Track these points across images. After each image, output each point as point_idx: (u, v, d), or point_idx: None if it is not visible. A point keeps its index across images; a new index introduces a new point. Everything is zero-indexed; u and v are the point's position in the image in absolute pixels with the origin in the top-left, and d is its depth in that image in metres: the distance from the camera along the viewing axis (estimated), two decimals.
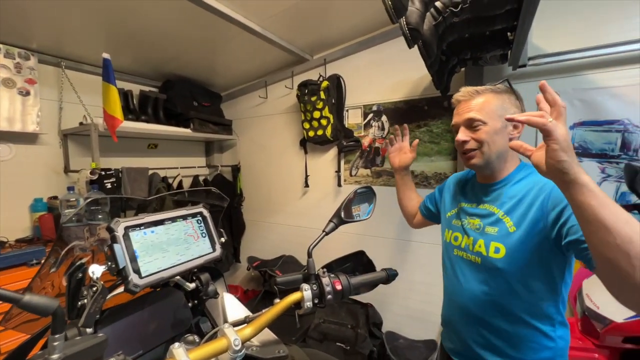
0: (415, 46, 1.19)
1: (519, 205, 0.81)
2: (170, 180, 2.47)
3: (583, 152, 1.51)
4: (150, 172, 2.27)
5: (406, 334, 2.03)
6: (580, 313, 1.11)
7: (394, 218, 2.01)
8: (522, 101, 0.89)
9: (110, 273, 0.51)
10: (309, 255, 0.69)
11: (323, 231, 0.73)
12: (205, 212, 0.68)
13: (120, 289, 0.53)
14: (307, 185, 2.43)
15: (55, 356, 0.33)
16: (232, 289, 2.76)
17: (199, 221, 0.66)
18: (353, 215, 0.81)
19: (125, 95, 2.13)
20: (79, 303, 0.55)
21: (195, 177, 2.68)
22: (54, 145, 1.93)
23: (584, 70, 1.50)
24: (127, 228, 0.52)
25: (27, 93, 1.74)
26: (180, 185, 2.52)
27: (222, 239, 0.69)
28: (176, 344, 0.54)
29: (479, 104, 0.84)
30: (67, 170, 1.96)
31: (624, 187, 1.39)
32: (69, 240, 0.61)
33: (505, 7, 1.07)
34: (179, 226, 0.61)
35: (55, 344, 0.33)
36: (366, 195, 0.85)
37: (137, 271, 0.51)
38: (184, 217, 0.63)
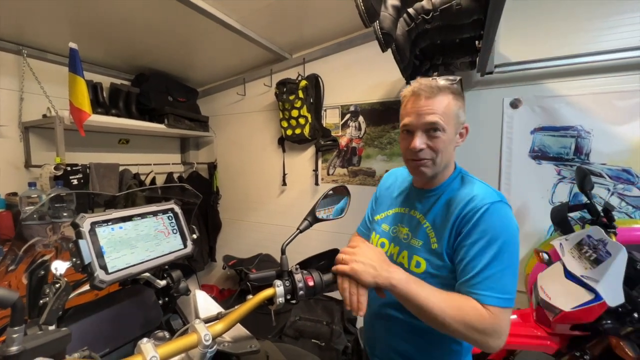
0: (390, 50, 1.24)
1: (444, 221, 0.75)
2: (142, 177, 2.38)
3: (542, 155, 1.62)
4: (121, 168, 2.18)
5: None
6: (535, 304, 1.20)
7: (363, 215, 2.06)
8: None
9: (75, 269, 0.50)
10: (283, 252, 0.71)
11: (297, 229, 0.75)
12: (177, 209, 0.67)
13: (86, 287, 0.52)
14: (284, 184, 2.43)
15: (13, 348, 0.32)
16: (207, 288, 2.71)
17: (170, 217, 0.66)
18: (327, 213, 0.82)
19: (94, 88, 2.03)
20: (41, 301, 0.53)
21: (170, 175, 2.60)
22: (14, 139, 1.81)
23: (544, 79, 1.61)
24: (93, 224, 0.51)
25: None
26: (153, 182, 2.44)
27: (194, 235, 0.69)
28: (144, 339, 0.53)
29: (443, 107, 0.73)
30: (28, 165, 1.85)
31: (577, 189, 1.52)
32: (30, 239, 0.59)
33: (472, 17, 1.13)
34: (148, 222, 0.61)
35: (14, 336, 0.32)
36: (341, 194, 0.87)
37: (103, 267, 0.50)
38: (154, 214, 0.62)
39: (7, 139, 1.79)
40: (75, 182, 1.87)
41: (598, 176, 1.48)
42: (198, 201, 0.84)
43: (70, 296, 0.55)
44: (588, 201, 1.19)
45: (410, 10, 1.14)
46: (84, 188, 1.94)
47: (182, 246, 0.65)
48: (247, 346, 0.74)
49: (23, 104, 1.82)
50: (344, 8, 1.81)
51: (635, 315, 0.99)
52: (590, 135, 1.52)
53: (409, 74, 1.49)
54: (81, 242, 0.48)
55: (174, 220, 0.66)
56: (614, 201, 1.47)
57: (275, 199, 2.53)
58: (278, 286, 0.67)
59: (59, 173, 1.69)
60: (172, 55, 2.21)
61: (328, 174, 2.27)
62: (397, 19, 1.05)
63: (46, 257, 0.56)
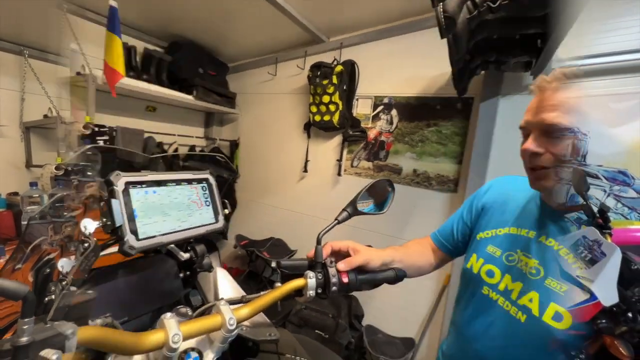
0: (438, 38, 1.14)
1: None
2: (165, 147, 2.38)
3: None
4: (146, 135, 2.18)
5: (386, 330, 2.04)
6: None
7: (387, 214, 1.98)
8: None
9: (104, 231, 0.46)
10: (318, 242, 0.65)
11: (335, 219, 0.68)
12: (212, 179, 0.63)
13: (113, 249, 0.49)
14: (305, 171, 2.38)
15: (24, 339, 0.31)
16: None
17: (204, 188, 0.61)
18: (369, 207, 0.76)
19: (128, 51, 2.01)
20: (46, 299, 0.51)
21: (192, 147, 2.59)
22: (14, 139, 1.80)
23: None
24: (128, 184, 0.47)
25: None
26: (176, 153, 2.43)
27: (226, 210, 0.65)
28: (168, 314, 0.49)
29: (572, 100, 0.56)
30: (28, 165, 1.85)
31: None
32: (33, 238, 0.56)
33: (544, 10, 1.02)
34: (183, 190, 0.56)
35: (25, 327, 0.31)
36: (384, 188, 0.79)
37: (134, 232, 0.46)
38: (189, 182, 0.58)
39: (8, 139, 1.78)
40: (101, 142, 1.87)
41: (594, 178, 1.37)
42: (231, 177, 0.79)
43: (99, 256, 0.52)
44: (584, 202, 1.09)
45: None
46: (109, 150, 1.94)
47: (213, 220, 0.61)
48: (267, 334, 0.70)
49: (24, 104, 1.81)
50: None
51: (630, 314, 0.91)
52: (587, 137, 1.39)
53: (459, 69, 1.38)
54: (114, 202, 0.44)
55: (207, 192, 0.61)
56: (610, 202, 1.35)
57: (294, 184, 2.49)
58: (310, 278, 0.62)
59: (88, 132, 1.69)
60: (208, 25, 2.16)
61: (352, 166, 2.20)
62: (463, 3, 0.96)
63: (51, 256, 0.53)
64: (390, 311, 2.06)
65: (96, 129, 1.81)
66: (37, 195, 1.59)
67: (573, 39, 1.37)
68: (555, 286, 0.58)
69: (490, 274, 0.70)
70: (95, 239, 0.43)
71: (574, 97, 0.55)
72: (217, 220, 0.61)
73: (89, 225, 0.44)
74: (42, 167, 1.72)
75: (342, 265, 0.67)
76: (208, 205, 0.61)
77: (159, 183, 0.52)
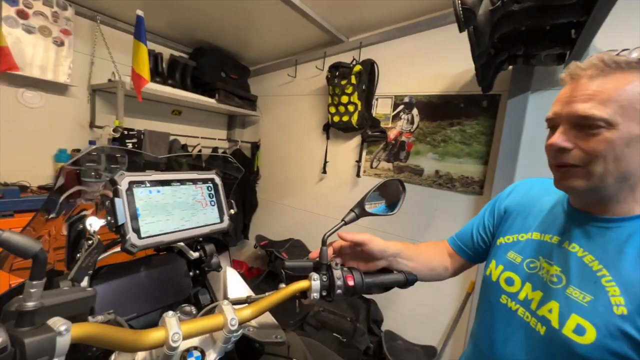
0: (465, 33, 1.08)
1: None
2: (189, 149, 2.47)
3: None
4: (171, 138, 2.27)
5: (406, 336, 1.97)
6: None
7: (407, 216, 1.93)
8: None
9: (109, 228, 0.47)
10: (324, 243, 0.63)
11: (342, 220, 0.66)
12: (217, 180, 0.63)
13: (118, 248, 0.50)
14: (324, 172, 2.37)
15: (30, 304, 0.29)
16: (237, 264, 2.78)
17: (210, 188, 0.61)
18: (377, 208, 0.72)
19: (155, 58, 2.11)
20: (77, 255, 0.52)
21: (215, 149, 2.67)
22: (82, 99, 1.95)
23: None
24: (131, 183, 0.48)
25: (62, 43, 1.75)
26: (199, 154, 2.52)
27: (232, 211, 0.65)
28: (170, 313, 0.50)
29: (611, 89, 0.47)
30: (92, 125, 1.99)
31: None
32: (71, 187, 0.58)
33: None
34: (187, 190, 0.57)
35: (33, 290, 0.29)
36: (395, 188, 0.75)
37: (136, 230, 0.47)
38: (194, 181, 0.59)
39: (77, 99, 1.93)
40: (130, 145, 1.97)
41: None
42: (239, 175, 0.79)
43: (103, 256, 0.53)
44: None
45: None
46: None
47: (218, 220, 0.61)
48: (273, 336, 0.69)
49: (93, 67, 1.95)
50: None
51: None
52: None
53: (482, 64, 1.31)
54: (117, 201, 0.45)
55: (213, 192, 0.62)
56: None
57: (313, 185, 2.48)
58: (314, 280, 0.60)
59: (117, 135, 1.79)
60: (231, 31, 2.22)
61: (371, 167, 2.16)
62: None
63: (87, 212, 0.54)
64: (411, 317, 1.99)
65: (125, 132, 1.91)
66: (95, 153, 1.71)
67: (613, 25, 1.25)
68: (577, 296, 0.53)
69: (509, 281, 0.64)
70: (98, 236, 0.44)
71: (613, 86, 0.47)
72: (222, 220, 0.62)
73: (94, 223, 0.45)
74: (102, 128, 1.86)
75: (344, 234, 0.65)
76: (213, 205, 0.61)
77: (163, 183, 0.53)
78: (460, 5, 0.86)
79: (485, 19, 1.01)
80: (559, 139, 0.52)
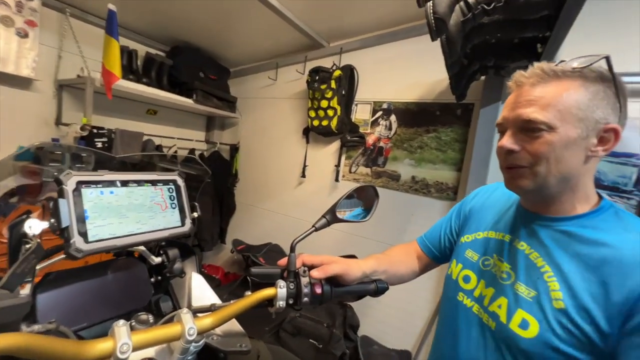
0: (438, 43, 1.11)
1: (585, 273, 0.50)
2: (165, 150, 2.39)
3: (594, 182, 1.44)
4: (145, 138, 2.19)
5: (382, 341, 1.98)
6: None
7: (384, 221, 1.94)
8: (625, 98, 0.54)
9: (52, 231, 0.43)
10: (292, 249, 0.62)
11: (313, 226, 0.65)
12: (180, 181, 0.60)
13: (59, 256, 0.46)
14: (303, 176, 2.35)
15: None
16: (213, 270, 2.70)
17: (171, 190, 0.59)
18: (350, 214, 0.72)
19: (129, 55, 2.04)
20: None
21: (192, 151, 2.60)
22: (48, 95, 1.85)
23: None
24: (80, 183, 0.45)
25: (26, 35, 1.65)
26: (174, 156, 2.44)
27: (195, 214, 0.62)
28: (120, 322, 0.46)
29: (550, 95, 0.51)
30: (58, 122, 1.88)
31: None
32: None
33: (541, 12, 0.98)
34: (145, 191, 0.54)
35: None
36: (368, 194, 0.75)
37: (83, 234, 0.43)
38: (154, 183, 0.56)
39: (42, 94, 1.82)
40: (99, 145, 1.88)
41: None
42: (206, 178, 0.77)
43: (50, 262, 0.50)
44: None
45: None
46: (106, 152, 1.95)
47: (179, 223, 0.58)
48: (237, 344, 0.66)
49: (60, 62, 1.85)
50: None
51: None
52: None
53: (455, 74, 1.34)
54: (61, 202, 0.42)
55: (174, 194, 0.59)
56: None
57: (291, 189, 2.46)
58: (280, 287, 0.59)
59: (85, 133, 1.70)
60: (210, 30, 2.18)
61: (350, 172, 2.17)
62: (454, 5, 0.93)
63: (33, 215, 0.50)
64: (387, 322, 2.00)
65: (94, 130, 1.82)
66: (59, 152, 1.61)
67: (573, 41, 1.32)
68: (523, 291, 0.55)
69: (466, 279, 0.67)
70: (38, 241, 0.41)
71: (552, 93, 0.51)
72: (183, 224, 0.59)
73: (34, 225, 0.42)
74: (69, 125, 1.75)
75: (316, 272, 0.64)
76: (174, 208, 0.58)
77: (117, 183, 0.50)
78: (432, 15, 0.88)
79: (457, 29, 1.04)
80: (507, 141, 0.55)
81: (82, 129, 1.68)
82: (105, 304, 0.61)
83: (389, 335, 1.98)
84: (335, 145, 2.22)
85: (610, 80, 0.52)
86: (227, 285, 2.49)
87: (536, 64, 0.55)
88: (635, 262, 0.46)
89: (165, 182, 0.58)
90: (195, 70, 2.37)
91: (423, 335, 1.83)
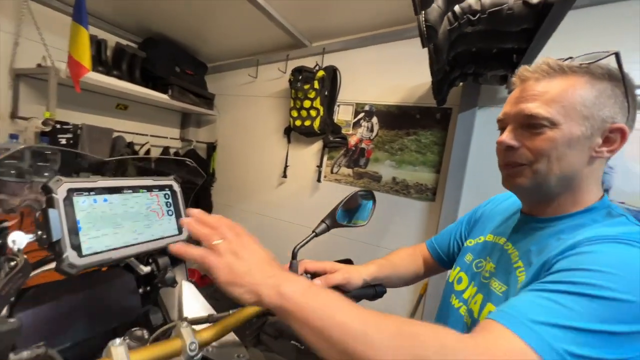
0: (421, 49, 1.14)
1: (544, 258, 0.49)
2: (137, 147, 2.25)
3: None
4: (115, 134, 2.05)
5: None
6: None
7: (373, 224, 1.97)
8: (634, 98, 0.51)
9: (39, 245, 0.39)
10: (294, 256, 0.60)
11: (313, 232, 0.64)
12: (176, 187, 0.57)
13: (49, 266, 0.42)
14: (284, 176, 2.32)
15: None
16: (189, 273, 2.59)
17: (167, 196, 0.55)
18: (348, 219, 0.72)
19: (98, 44, 1.89)
20: None
21: (166, 149, 2.48)
22: (2, 85, 1.67)
23: None
24: (71, 191, 0.41)
25: None
26: (148, 154, 2.31)
27: None
28: (117, 340, 0.43)
29: (555, 91, 0.49)
30: (14, 115, 1.70)
31: None
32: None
33: (521, 26, 1.04)
34: (140, 198, 0.50)
35: None
36: (365, 199, 0.76)
37: (76, 247, 0.39)
38: (149, 189, 0.52)
39: None
40: (63, 141, 1.73)
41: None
42: (200, 182, 0.73)
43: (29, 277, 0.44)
44: None
45: (457, 8, 1.04)
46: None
47: (176, 232, 0.55)
48: (235, 355, 0.64)
49: (17, 49, 1.67)
50: (376, 2, 1.71)
51: None
52: (613, 172, 1.46)
53: (438, 80, 1.39)
54: (51, 212, 0.37)
55: (170, 200, 0.55)
56: None
57: (272, 190, 2.42)
58: None
59: (47, 129, 1.56)
60: (186, 22, 2.08)
61: (331, 172, 2.18)
62: (444, 14, 0.96)
63: (7, 224, 0.45)
64: None
65: (58, 125, 1.68)
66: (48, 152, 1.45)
67: (548, 53, 1.40)
68: (496, 287, 0.56)
69: (459, 280, 0.67)
70: (24, 257, 0.36)
71: (557, 88, 0.50)
72: (180, 232, 0.56)
73: (19, 239, 0.37)
74: (28, 119, 1.58)
75: (319, 282, 0.63)
76: (171, 215, 0.55)
77: (111, 190, 0.46)
78: (424, 23, 0.90)
79: (444, 37, 1.08)
80: (507, 137, 0.53)
81: (44, 123, 1.54)
82: (91, 320, 0.56)
83: None
84: (318, 145, 2.21)
85: (619, 79, 0.49)
86: (204, 288, 2.40)
87: (542, 59, 0.53)
88: (585, 238, 0.45)
89: (161, 188, 0.54)
90: (170, 64, 2.25)
91: None
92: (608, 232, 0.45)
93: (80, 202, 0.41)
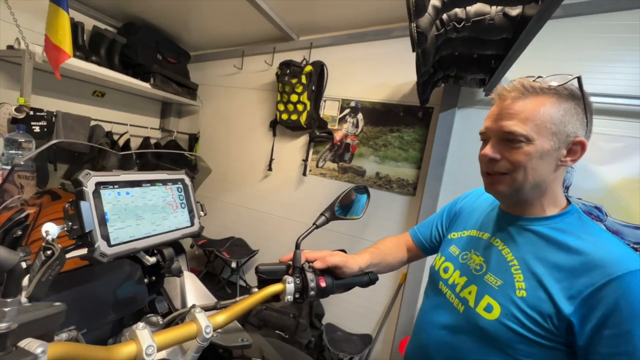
0: (408, 51, 1.20)
1: (549, 269, 0.57)
2: (115, 137, 2.17)
3: None
4: (93, 123, 1.96)
5: (345, 327, 2.10)
6: None
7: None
8: (591, 114, 0.61)
9: (69, 236, 0.41)
10: (297, 247, 0.65)
11: (314, 224, 0.69)
12: (187, 180, 0.59)
13: (75, 253, 0.43)
14: (270, 169, 2.34)
15: (3, 325, 0.25)
16: None
17: (180, 189, 0.57)
18: (345, 212, 0.77)
19: (74, 27, 1.79)
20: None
21: (146, 139, 2.40)
22: None
23: None
24: (98, 184, 0.42)
25: None
26: (127, 144, 2.23)
27: (202, 213, 0.61)
28: (140, 324, 0.46)
29: (529, 110, 0.58)
30: None
31: None
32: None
33: (501, 35, 1.13)
34: (157, 191, 0.52)
35: (6, 309, 0.25)
36: (360, 193, 0.82)
37: (106, 238, 0.42)
38: (164, 182, 0.54)
39: None
40: (37, 129, 1.65)
41: None
42: (205, 177, 0.75)
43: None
44: None
45: (444, 16, 1.11)
46: (46, 138, 1.72)
47: (189, 223, 0.58)
48: (239, 339, 0.68)
49: None
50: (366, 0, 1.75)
51: None
52: (573, 170, 1.62)
53: (423, 81, 1.47)
54: (83, 205, 0.39)
55: (183, 193, 0.58)
56: None
57: (257, 183, 2.43)
58: (289, 283, 0.62)
59: (21, 116, 1.47)
60: (169, 8, 2.02)
61: (317, 166, 2.22)
62: (434, 22, 1.02)
63: (24, 215, 0.46)
64: (350, 309, 2.13)
65: (31, 112, 1.59)
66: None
67: (522, 63, 1.53)
68: (492, 280, 0.63)
69: (446, 270, 0.75)
70: (59, 246, 0.38)
71: (531, 108, 0.58)
72: (192, 224, 0.58)
73: (52, 230, 0.39)
74: None
75: (319, 263, 0.68)
76: (183, 208, 0.57)
77: (132, 183, 0.48)
78: (415, 29, 0.95)
79: (432, 42, 1.14)
80: (490, 151, 0.62)
81: (18, 110, 1.45)
82: (102, 308, 0.58)
83: (351, 321, 2.11)
84: (303, 139, 2.24)
85: (579, 98, 0.59)
86: None
87: (517, 79, 0.62)
88: (601, 259, 0.53)
89: (174, 182, 0.56)
90: (152, 52, 2.17)
91: (382, 319, 1.99)
92: (614, 255, 0.53)
93: (107, 195, 0.43)
